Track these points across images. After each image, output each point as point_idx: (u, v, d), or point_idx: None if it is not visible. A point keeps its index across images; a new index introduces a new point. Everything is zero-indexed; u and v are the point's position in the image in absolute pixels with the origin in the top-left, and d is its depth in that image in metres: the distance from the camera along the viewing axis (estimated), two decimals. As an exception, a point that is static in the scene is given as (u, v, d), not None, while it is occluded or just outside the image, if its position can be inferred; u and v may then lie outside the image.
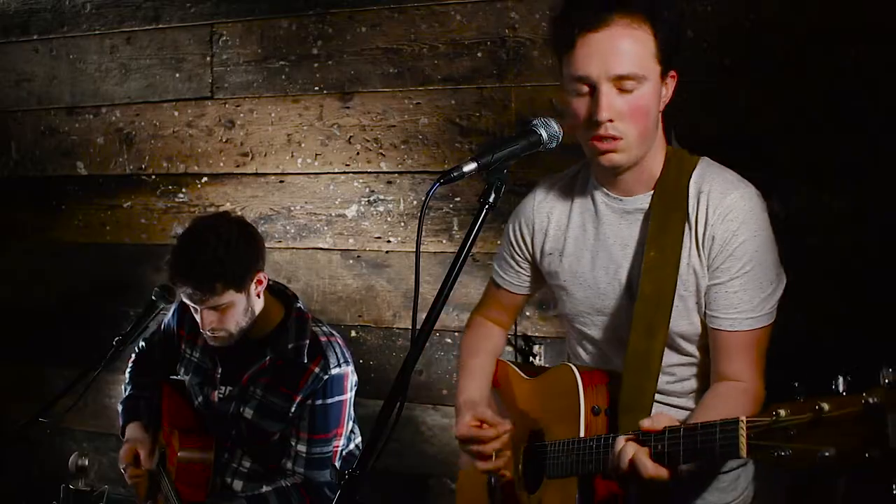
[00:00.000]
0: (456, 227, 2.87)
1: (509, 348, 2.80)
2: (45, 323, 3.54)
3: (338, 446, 2.45)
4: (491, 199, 1.50)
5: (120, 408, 2.71)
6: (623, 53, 1.59)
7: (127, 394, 2.72)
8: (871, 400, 1.10)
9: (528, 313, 2.78)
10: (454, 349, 2.86)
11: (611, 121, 1.60)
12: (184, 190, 3.29)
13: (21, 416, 2.42)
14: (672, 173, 1.72)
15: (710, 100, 2.51)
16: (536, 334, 2.77)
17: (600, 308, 1.80)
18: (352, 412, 2.52)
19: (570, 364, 1.80)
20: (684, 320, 1.70)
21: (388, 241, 2.99)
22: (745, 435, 1.27)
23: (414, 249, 2.81)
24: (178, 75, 3.26)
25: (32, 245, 3.56)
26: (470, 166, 1.48)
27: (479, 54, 2.81)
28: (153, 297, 2.43)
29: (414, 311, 1.48)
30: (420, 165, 2.92)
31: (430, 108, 2.89)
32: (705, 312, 1.69)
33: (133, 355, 2.79)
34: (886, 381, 1.09)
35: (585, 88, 1.62)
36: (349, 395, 2.47)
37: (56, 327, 3.52)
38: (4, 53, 3.56)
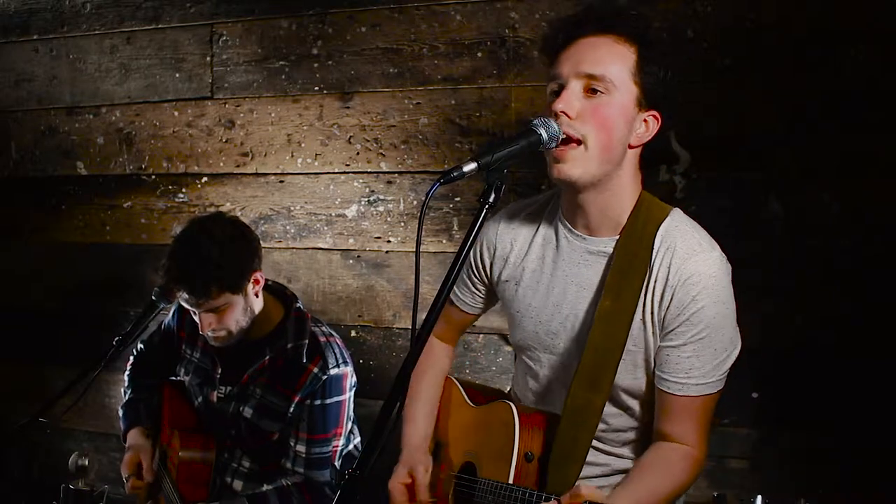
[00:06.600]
0: (456, 227, 2.87)
1: (509, 348, 2.80)
2: (45, 323, 3.54)
3: (337, 446, 2.46)
4: (491, 199, 1.50)
5: (120, 412, 2.72)
6: (596, 55, 1.58)
7: (127, 397, 2.73)
8: None
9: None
10: (454, 349, 2.85)
11: (569, 117, 1.57)
12: (184, 190, 3.28)
13: (21, 416, 2.42)
14: (640, 220, 1.66)
15: (710, 100, 2.51)
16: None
17: (549, 346, 1.77)
18: (351, 412, 2.52)
19: (510, 403, 1.76)
20: (629, 375, 1.68)
21: (388, 241, 2.98)
22: None
23: (414, 249, 2.81)
24: (178, 75, 3.26)
25: (32, 245, 3.56)
26: (470, 166, 1.47)
27: (479, 54, 2.81)
28: (153, 298, 2.42)
29: (414, 311, 1.48)
30: (420, 165, 2.92)
31: (430, 108, 2.89)
32: (654, 371, 1.66)
33: (131, 357, 2.79)
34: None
35: (557, 87, 1.61)
36: (348, 396, 2.47)
37: (56, 327, 3.51)
38: (4, 53, 3.56)
